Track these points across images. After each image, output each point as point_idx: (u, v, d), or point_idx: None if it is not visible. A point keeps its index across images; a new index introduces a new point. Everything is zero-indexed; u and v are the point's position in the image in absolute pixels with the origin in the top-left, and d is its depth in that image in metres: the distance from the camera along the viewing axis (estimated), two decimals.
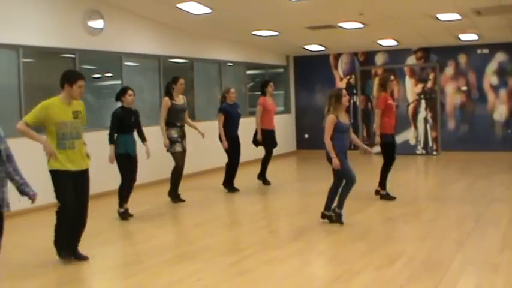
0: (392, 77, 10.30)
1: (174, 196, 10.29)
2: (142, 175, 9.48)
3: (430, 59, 17.04)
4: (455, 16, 12.40)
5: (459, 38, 15.32)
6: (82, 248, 7.02)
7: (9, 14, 9.74)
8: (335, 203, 8.27)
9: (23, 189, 5.52)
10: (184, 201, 10.29)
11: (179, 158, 10.15)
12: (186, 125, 10.37)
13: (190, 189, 10.98)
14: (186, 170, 10.41)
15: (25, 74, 9.96)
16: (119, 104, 9.26)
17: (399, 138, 16.97)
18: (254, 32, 14.53)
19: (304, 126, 18.50)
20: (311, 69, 18.45)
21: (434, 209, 9.69)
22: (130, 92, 9.14)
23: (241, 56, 16.39)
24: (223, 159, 11.36)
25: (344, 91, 8.27)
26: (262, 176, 12.07)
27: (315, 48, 17.19)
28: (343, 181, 8.24)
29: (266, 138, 11.83)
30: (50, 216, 6.93)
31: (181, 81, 10.22)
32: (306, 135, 18.50)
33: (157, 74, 13.20)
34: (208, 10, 11.60)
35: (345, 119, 8.25)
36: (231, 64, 16.11)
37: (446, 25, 13.40)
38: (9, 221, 5.35)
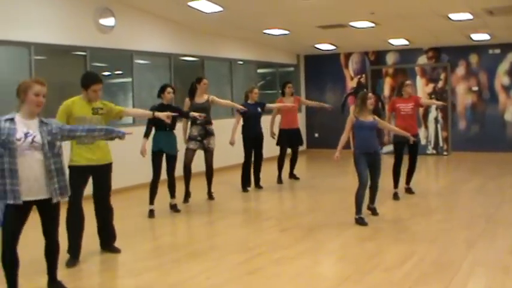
0: (408, 82, 10.52)
1: (186, 196, 10.37)
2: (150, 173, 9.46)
3: (441, 59, 16.98)
4: (467, 16, 12.36)
5: (471, 38, 15.26)
6: (90, 245, 7.06)
7: (21, 12, 9.78)
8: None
9: (112, 137, 5.89)
10: (214, 197, 10.53)
11: (186, 156, 10.21)
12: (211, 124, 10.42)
13: (198, 189, 10.98)
14: (195, 169, 10.37)
15: (37, 71, 9.99)
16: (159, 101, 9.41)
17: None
18: (265, 31, 14.53)
19: (315, 125, 18.48)
20: (322, 68, 18.43)
21: (444, 209, 9.67)
22: (169, 89, 9.29)
23: (252, 54, 16.39)
24: (234, 157, 11.37)
25: (370, 94, 8.48)
26: (291, 174, 12.70)
27: (325, 47, 17.17)
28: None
29: (285, 138, 12.21)
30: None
31: (205, 81, 10.46)
32: (316, 135, 18.49)
33: (168, 72, 13.23)
34: (220, 8, 11.60)
35: (367, 118, 8.41)
36: (241, 62, 16.12)
37: (457, 25, 13.34)
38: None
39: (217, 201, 10.35)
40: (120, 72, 12.64)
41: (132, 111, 9.52)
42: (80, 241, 6.81)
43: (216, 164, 10.55)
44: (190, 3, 11.32)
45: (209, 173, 10.46)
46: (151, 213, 9.17)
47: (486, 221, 8.45)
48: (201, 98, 10.33)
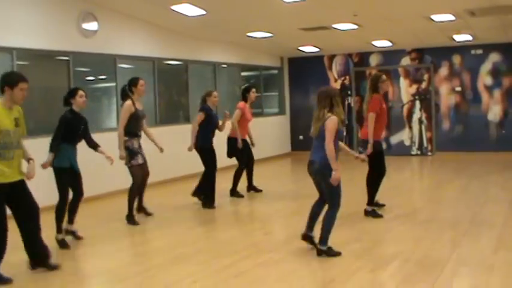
0: (384, 77, 9.20)
1: (133, 218, 8.97)
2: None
3: (424, 60, 17.07)
4: (449, 17, 12.43)
5: (453, 39, 15.35)
6: (76, 250, 7.02)
7: (3, 17, 9.72)
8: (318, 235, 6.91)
9: None
10: (152, 214, 9.51)
11: (138, 172, 8.98)
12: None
13: (183, 193, 10.97)
14: (180, 172, 10.28)
15: None
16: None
17: (394, 139, 17.11)
18: (248, 34, 14.54)
19: (299, 127, 18.49)
20: (305, 71, 18.46)
21: (429, 209, 9.71)
22: (81, 93, 7.81)
23: (236, 57, 16.39)
24: (224, 160, 11.21)
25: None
26: (233, 191, 11.07)
27: (309, 49, 17.20)
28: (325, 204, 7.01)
29: (240, 148, 10.87)
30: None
31: (142, 82, 9.05)
32: (301, 137, 18.50)
33: (152, 76, 13.19)
34: (203, 12, 11.59)
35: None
36: (225, 66, 16.11)
37: (440, 26, 13.42)
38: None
39: (200, 206, 10.14)
40: (103, 77, 12.60)
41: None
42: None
43: (197, 169, 10.38)
44: (173, 7, 11.30)
45: (145, 185, 9.49)
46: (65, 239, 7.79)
47: (470, 220, 8.49)
48: (139, 104, 9.02)
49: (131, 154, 8.82)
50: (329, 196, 6.81)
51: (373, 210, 8.87)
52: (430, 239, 7.58)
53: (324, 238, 6.75)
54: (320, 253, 6.74)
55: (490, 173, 13.32)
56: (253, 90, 11.31)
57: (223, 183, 11.01)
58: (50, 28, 10.63)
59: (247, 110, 11.12)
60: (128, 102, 8.82)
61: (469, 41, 15.63)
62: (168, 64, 14.06)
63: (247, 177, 11.23)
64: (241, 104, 11.08)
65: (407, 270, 6.19)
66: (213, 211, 9.88)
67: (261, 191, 11.35)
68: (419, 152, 17.16)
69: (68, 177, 7.63)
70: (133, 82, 9.00)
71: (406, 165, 15.73)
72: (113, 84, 12.03)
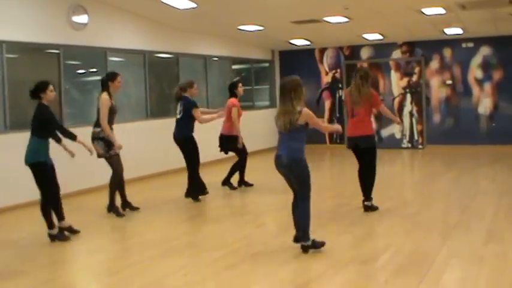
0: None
1: (117, 208, 9.08)
2: (127, 171, 9.41)
3: (415, 53, 17.09)
4: (440, 10, 12.45)
5: (444, 32, 15.38)
6: (66, 244, 7.00)
7: None
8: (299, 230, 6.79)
9: None
10: (138, 208, 9.38)
11: (119, 162, 8.99)
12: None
13: (175, 186, 10.96)
14: (171, 166, 10.21)
15: (9, 70, 9.90)
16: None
17: (384, 132, 17.15)
18: (239, 27, 14.51)
19: None
20: (296, 64, 18.44)
21: (419, 202, 9.73)
22: (51, 87, 7.67)
23: (227, 50, 16.36)
24: (214, 154, 11.19)
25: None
26: (227, 181, 11.11)
27: (300, 42, 17.19)
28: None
29: (234, 144, 10.87)
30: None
31: (120, 78, 9.06)
32: None
33: (143, 69, 13.16)
34: (193, 5, 11.56)
35: None
36: (216, 59, 16.09)
37: (431, 19, 13.44)
38: None
39: (190, 200, 10.20)
40: (94, 70, 12.55)
41: None
42: None
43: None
44: (164, 0, 11.26)
45: (123, 180, 9.30)
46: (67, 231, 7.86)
47: (461, 212, 8.53)
48: (113, 99, 8.96)
49: (109, 145, 8.78)
50: (299, 188, 6.63)
51: (372, 204, 8.75)
52: (421, 231, 7.61)
53: (305, 233, 6.63)
54: (306, 249, 6.63)
55: (480, 166, 13.37)
56: (240, 84, 11.14)
57: (213, 177, 11.00)
58: (40, 21, 10.58)
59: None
60: (107, 96, 8.79)
61: (460, 34, 15.67)
62: (159, 57, 14.03)
63: (239, 172, 11.19)
64: (234, 101, 10.88)
65: (398, 262, 6.21)
66: (204, 204, 9.88)
67: (252, 185, 11.30)
68: (410, 145, 17.20)
69: (46, 172, 7.52)
70: (111, 77, 8.99)
71: (397, 158, 15.76)
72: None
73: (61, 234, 7.62)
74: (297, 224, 6.79)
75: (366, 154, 8.66)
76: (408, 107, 17.20)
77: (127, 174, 9.23)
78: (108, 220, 8.82)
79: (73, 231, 7.86)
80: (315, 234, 6.78)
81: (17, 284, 6.02)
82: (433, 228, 7.73)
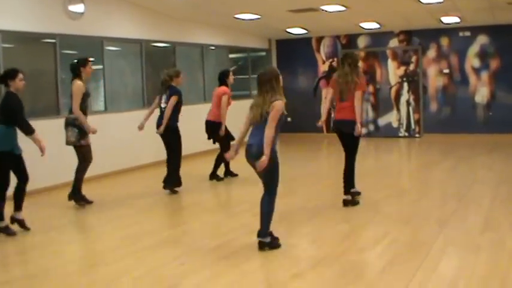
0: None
1: (80, 197, 8.94)
2: (124, 160, 9.40)
3: (412, 42, 17.06)
4: None
5: (441, 21, 15.34)
6: (63, 233, 6.99)
7: None
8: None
9: None
10: (92, 202, 9.09)
11: (89, 153, 8.84)
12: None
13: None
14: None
15: (5, 59, 9.85)
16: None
17: (382, 121, 17.16)
18: (236, 16, 14.46)
19: (287, 109, 18.35)
20: (293, 53, 18.42)
21: (417, 191, 9.75)
22: (21, 75, 7.46)
23: (224, 39, 16.32)
24: (206, 144, 11.19)
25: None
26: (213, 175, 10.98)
27: (297, 31, 17.15)
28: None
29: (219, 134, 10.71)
30: None
31: (91, 64, 8.93)
32: (289, 119, 18.46)
33: (139, 58, 13.12)
34: None
35: None
36: (213, 48, 16.05)
37: (428, 8, 13.40)
38: None
39: (187, 188, 10.10)
40: (91, 59, 12.48)
41: None
42: None
43: (185, 151, 10.29)
44: None
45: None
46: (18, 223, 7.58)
47: (458, 201, 8.54)
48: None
49: (81, 133, 8.64)
50: (266, 181, 6.44)
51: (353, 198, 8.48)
52: (418, 219, 7.63)
53: (265, 229, 6.38)
54: (262, 246, 6.34)
55: (477, 155, 13.39)
56: (231, 73, 10.99)
57: (200, 169, 10.97)
58: (36, 10, 10.53)
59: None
60: (80, 82, 8.66)
61: (457, 23, 15.63)
62: (156, 46, 13.99)
63: (224, 163, 10.98)
64: (225, 89, 10.69)
65: (395, 251, 6.23)
66: (200, 193, 9.88)
67: (236, 175, 11.08)
68: (407, 134, 17.20)
69: (10, 162, 7.28)
70: (82, 63, 8.82)
71: (394, 147, 15.77)
72: (100, 66, 11.95)
73: (7, 228, 7.33)
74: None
75: (348, 140, 8.32)
76: (405, 95, 17.18)
77: (123, 163, 9.21)
78: (103, 210, 8.80)
79: (24, 227, 7.52)
80: (311, 222, 6.79)
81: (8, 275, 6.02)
82: (430, 216, 7.75)
